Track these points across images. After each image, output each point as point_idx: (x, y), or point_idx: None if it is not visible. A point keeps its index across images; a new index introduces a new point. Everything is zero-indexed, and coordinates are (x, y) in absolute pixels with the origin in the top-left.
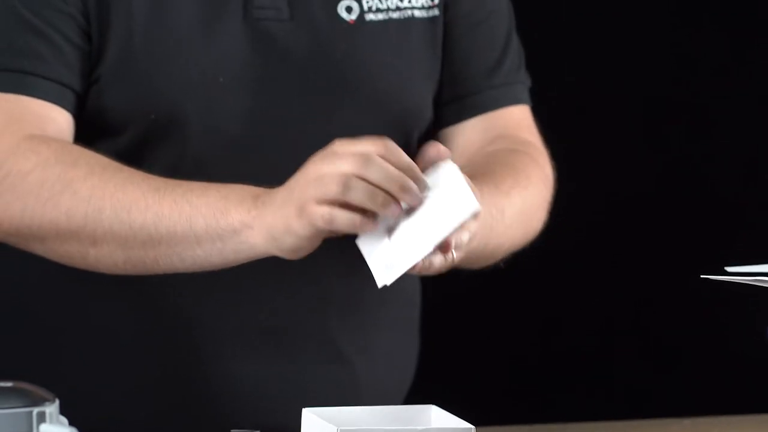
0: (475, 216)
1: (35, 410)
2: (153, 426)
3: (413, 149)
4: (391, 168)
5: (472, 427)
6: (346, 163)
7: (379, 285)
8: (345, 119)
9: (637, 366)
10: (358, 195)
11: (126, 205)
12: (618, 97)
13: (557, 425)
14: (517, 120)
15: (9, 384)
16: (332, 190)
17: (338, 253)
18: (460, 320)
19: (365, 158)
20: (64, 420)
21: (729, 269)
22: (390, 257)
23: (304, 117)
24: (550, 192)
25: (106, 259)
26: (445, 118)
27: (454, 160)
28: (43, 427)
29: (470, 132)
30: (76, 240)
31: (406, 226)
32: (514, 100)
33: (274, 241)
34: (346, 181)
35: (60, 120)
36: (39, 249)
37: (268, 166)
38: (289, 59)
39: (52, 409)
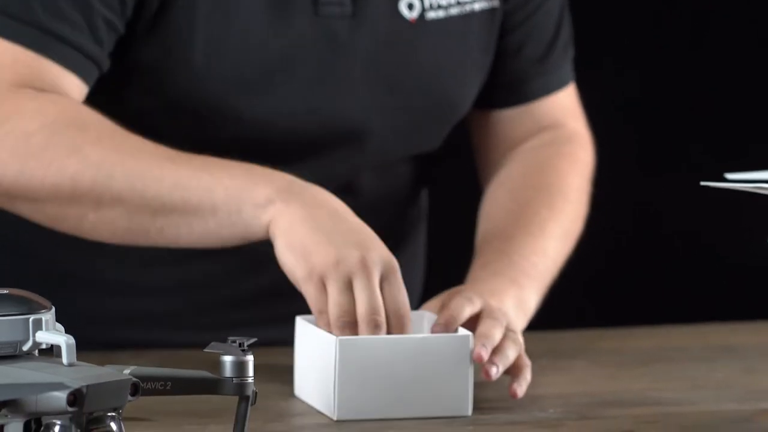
0: None
1: (32, 317)
2: (147, 334)
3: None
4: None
5: (470, 333)
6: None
7: None
8: (399, 117)
9: (638, 272)
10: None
11: (139, 173)
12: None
13: (555, 333)
14: (563, 106)
15: (5, 291)
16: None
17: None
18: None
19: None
20: (61, 327)
21: (728, 176)
22: None
23: (359, 114)
24: (588, 185)
25: (106, 225)
26: (492, 101)
27: (498, 147)
28: (39, 334)
29: (517, 122)
30: (77, 204)
31: None
32: (562, 84)
33: (285, 236)
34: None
35: (74, 90)
36: (25, 209)
37: (319, 158)
38: (349, 57)
39: (48, 316)
